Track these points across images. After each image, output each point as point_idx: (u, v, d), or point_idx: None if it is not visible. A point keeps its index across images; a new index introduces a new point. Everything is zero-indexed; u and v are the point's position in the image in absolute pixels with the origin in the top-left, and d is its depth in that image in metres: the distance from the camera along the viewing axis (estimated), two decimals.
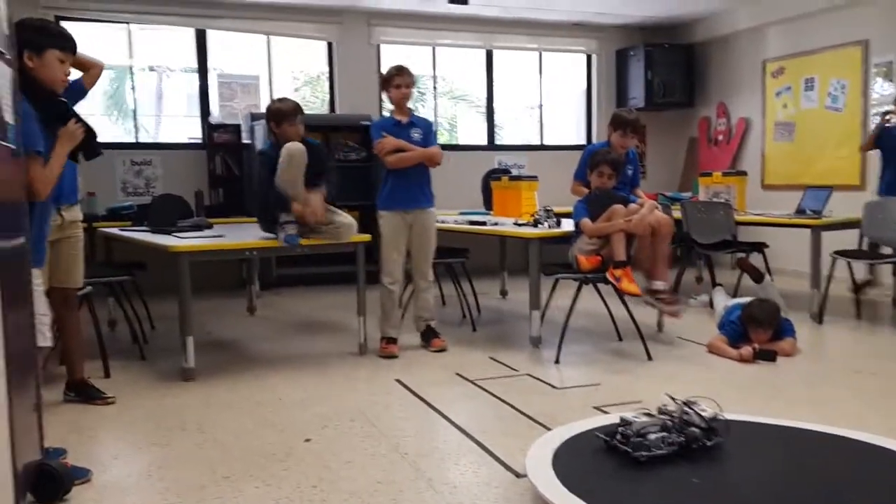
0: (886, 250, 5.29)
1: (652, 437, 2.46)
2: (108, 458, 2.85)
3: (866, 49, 6.74)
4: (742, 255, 5.70)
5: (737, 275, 5.84)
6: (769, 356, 4.11)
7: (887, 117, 5.99)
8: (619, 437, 2.51)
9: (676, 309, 4.39)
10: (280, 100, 4.27)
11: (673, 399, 2.62)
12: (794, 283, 5.90)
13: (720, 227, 5.68)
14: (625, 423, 2.53)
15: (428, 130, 4.55)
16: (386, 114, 5.41)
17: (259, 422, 3.25)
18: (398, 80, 4.45)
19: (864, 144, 6.31)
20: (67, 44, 2.97)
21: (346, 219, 4.22)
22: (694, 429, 2.50)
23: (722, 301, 5.01)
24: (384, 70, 4.57)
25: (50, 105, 2.76)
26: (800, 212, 5.57)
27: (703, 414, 2.52)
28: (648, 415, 2.56)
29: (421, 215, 4.51)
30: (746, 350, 4.14)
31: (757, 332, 4.24)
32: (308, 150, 4.06)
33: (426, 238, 4.56)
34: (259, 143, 6.51)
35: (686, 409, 2.55)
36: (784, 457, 2.55)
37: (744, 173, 6.57)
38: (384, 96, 4.57)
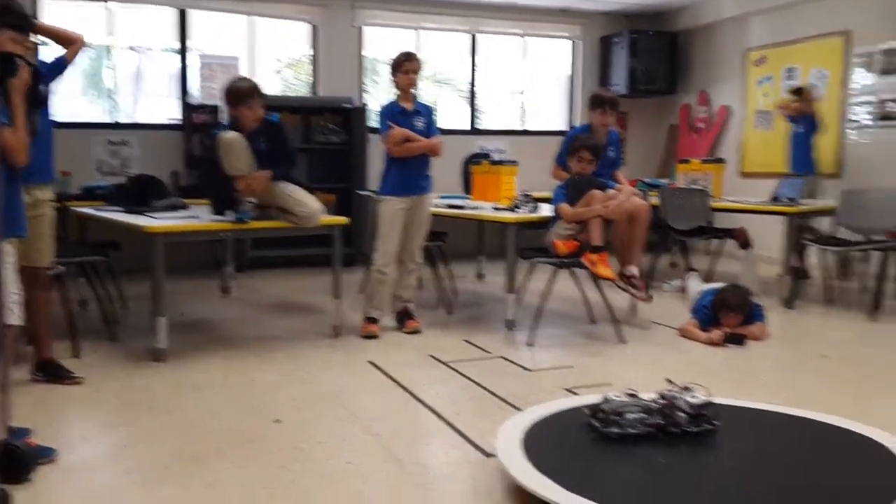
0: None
1: (630, 416, 2.47)
2: (74, 438, 2.83)
3: (848, 40, 6.77)
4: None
5: (710, 260, 5.89)
6: (738, 340, 4.16)
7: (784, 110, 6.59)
8: (599, 413, 2.53)
9: (647, 294, 4.43)
10: (238, 79, 4.21)
11: (671, 383, 2.62)
12: (767, 269, 5.94)
13: (696, 213, 5.72)
14: (606, 401, 2.56)
15: (430, 118, 4.56)
16: (377, 98, 5.38)
17: (230, 403, 3.24)
18: (407, 66, 4.43)
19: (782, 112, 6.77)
20: (22, 23, 2.92)
21: (310, 207, 4.14)
22: (681, 414, 2.48)
23: (695, 286, 5.05)
24: (388, 55, 4.50)
25: None
26: (776, 199, 5.61)
27: (692, 400, 2.49)
28: (633, 396, 2.57)
29: (420, 200, 4.53)
30: (716, 334, 4.18)
31: (728, 316, 4.28)
32: (265, 129, 4.04)
33: (421, 222, 4.58)
34: None
35: (677, 394, 2.52)
36: (752, 439, 2.58)
37: (722, 161, 6.61)
38: (392, 81, 4.49)
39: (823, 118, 6.48)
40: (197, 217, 4.36)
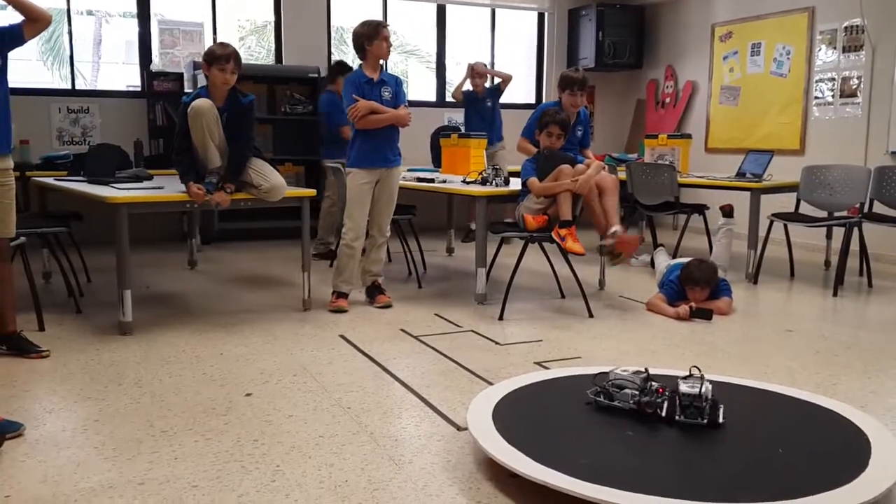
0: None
1: (627, 391, 2.49)
2: (41, 413, 2.78)
3: (812, 16, 6.84)
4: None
5: (677, 236, 5.96)
6: (705, 314, 4.23)
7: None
8: (604, 383, 2.56)
9: (634, 237, 4.46)
10: (220, 44, 4.12)
11: (698, 370, 2.56)
12: (733, 245, 6.03)
13: (664, 188, 5.77)
14: (603, 374, 2.60)
15: (398, 89, 4.48)
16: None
17: (199, 376, 3.21)
18: (385, 33, 4.36)
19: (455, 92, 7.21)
20: None
21: (272, 181, 4.09)
22: (679, 399, 2.42)
23: (663, 261, 5.11)
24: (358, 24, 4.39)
25: None
26: (741, 175, 5.68)
27: (692, 391, 2.41)
28: (638, 373, 2.55)
29: (388, 173, 4.48)
30: (683, 308, 4.24)
31: (694, 291, 4.35)
32: (234, 107, 3.97)
33: (390, 195, 4.53)
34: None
35: (684, 382, 2.46)
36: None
37: (688, 136, 6.67)
38: (364, 51, 4.38)
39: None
40: (162, 188, 4.28)
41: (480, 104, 7.05)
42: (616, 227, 4.38)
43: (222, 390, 3.04)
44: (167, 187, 4.29)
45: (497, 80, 7.17)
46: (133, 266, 3.92)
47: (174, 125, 6.91)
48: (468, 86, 7.10)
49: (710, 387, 2.45)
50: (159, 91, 6.96)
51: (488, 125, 6.84)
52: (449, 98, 7.73)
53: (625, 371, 2.57)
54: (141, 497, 2.13)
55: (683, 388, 2.44)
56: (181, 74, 7.03)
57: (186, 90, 6.94)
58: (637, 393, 2.49)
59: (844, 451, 2.26)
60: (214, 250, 6.58)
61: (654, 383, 2.52)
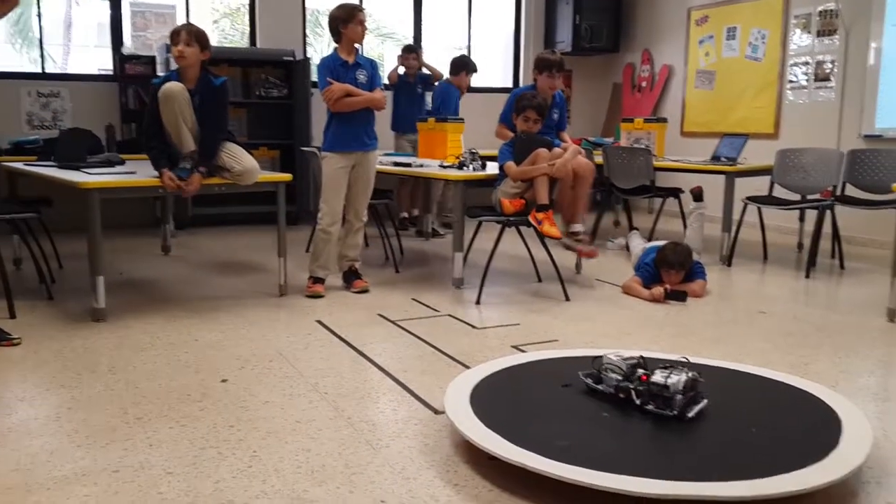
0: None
1: (612, 376, 2.49)
2: (13, 400, 2.74)
3: (787, 0, 6.88)
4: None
5: (653, 219, 6.00)
6: (680, 296, 4.27)
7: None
8: (598, 365, 2.56)
9: (592, 249, 4.51)
10: (188, 23, 4.06)
11: (686, 359, 2.55)
12: (707, 228, 6.07)
13: (639, 172, 5.80)
14: (598, 358, 2.57)
15: (373, 71, 4.43)
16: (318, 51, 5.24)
17: (173, 363, 3.18)
18: (361, 16, 4.31)
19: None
20: None
21: (245, 164, 4.04)
22: (650, 388, 2.39)
23: (638, 244, 5.15)
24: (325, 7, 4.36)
25: None
26: (715, 158, 5.72)
27: (661, 381, 2.35)
28: (630, 359, 2.53)
29: (364, 157, 4.45)
30: (658, 290, 4.28)
31: (669, 273, 4.38)
32: (206, 89, 3.92)
33: (367, 179, 4.50)
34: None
35: (662, 371, 2.41)
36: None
37: (664, 120, 6.69)
38: (339, 34, 4.33)
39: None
40: (134, 173, 4.23)
41: (411, 88, 6.96)
42: (578, 227, 4.42)
43: (197, 376, 3.01)
44: (140, 172, 4.23)
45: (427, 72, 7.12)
46: (105, 252, 3.87)
47: (147, 109, 6.90)
48: (402, 70, 7.00)
49: (683, 378, 2.36)
50: (131, 74, 6.85)
51: (416, 110, 6.78)
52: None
53: (618, 356, 2.55)
54: (115, 484, 2.11)
55: (656, 376, 2.39)
56: (153, 58, 6.92)
57: (159, 73, 6.84)
58: (621, 378, 2.48)
59: (816, 430, 2.29)
60: (189, 236, 6.52)
61: (641, 370, 2.47)
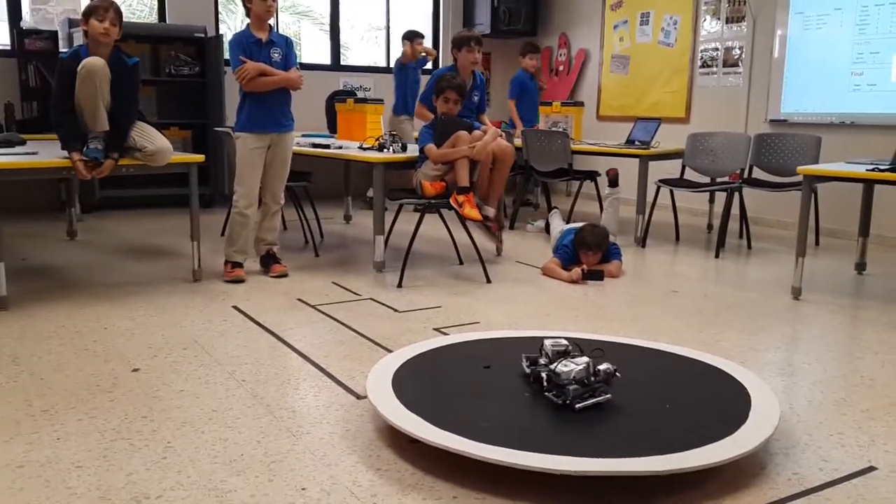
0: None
1: (541, 361, 2.50)
2: None
3: None
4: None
5: (571, 201, 6.10)
6: (597, 276, 4.37)
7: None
8: (542, 351, 2.56)
9: (499, 236, 4.59)
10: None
11: (601, 351, 2.57)
12: (621, 210, 6.23)
13: (557, 155, 5.87)
14: (541, 344, 2.58)
15: (289, 50, 4.30)
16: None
17: (81, 352, 3.05)
18: None
19: None
20: None
21: (158, 144, 3.89)
22: (548, 375, 2.39)
23: (558, 225, 5.22)
24: None
25: None
26: (630, 142, 5.84)
27: (561, 370, 2.34)
28: (559, 347, 2.52)
29: (280, 138, 4.33)
30: (576, 272, 4.36)
31: (587, 254, 4.47)
32: (117, 68, 3.76)
33: (283, 160, 4.39)
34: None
35: (568, 358, 2.41)
36: None
37: (581, 104, 6.80)
38: (246, 9, 4.20)
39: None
40: (36, 153, 4.01)
41: (413, 73, 7.07)
42: (490, 211, 4.47)
43: (107, 366, 2.89)
44: (42, 153, 4.02)
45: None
46: (7, 237, 3.67)
47: (49, 87, 6.56)
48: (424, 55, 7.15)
49: (576, 370, 2.34)
50: (31, 50, 6.49)
51: (412, 95, 6.82)
52: (344, 62, 7.60)
53: (554, 342, 2.54)
54: (20, 480, 2.01)
55: (559, 365, 2.38)
56: (55, 32, 6.57)
57: (62, 49, 6.50)
58: (545, 364, 2.50)
59: (727, 405, 2.37)
60: (96, 220, 6.25)
61: (564, 358, 2.45)
